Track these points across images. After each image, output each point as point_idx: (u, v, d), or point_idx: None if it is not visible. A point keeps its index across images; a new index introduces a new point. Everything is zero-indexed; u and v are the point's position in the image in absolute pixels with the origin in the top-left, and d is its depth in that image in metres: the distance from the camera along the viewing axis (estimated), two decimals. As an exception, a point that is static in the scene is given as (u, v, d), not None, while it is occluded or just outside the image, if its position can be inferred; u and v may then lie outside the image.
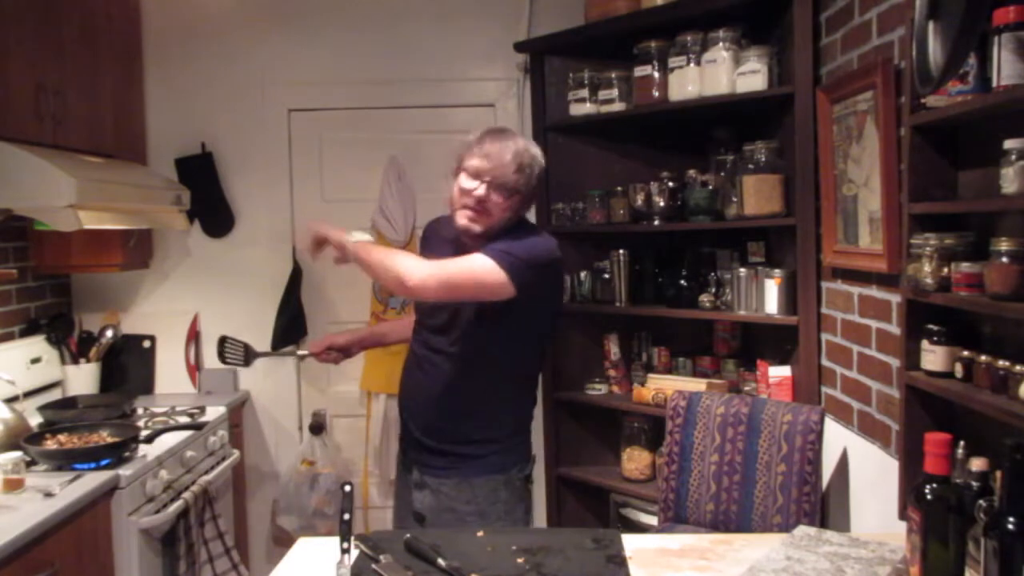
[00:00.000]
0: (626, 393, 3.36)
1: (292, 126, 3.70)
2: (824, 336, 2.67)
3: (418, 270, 2.08)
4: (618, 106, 3.22)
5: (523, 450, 2.33)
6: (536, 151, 2.22)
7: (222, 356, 2.65)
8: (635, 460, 3.28)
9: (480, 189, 2.13)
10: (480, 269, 2.08)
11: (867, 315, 2.33)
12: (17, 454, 2.31)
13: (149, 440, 2.63)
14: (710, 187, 3.03)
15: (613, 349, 3.43)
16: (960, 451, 1.65)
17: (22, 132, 2.61)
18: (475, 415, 2.24)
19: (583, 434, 3.52)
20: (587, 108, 3.31)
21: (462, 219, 2.17)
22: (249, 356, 2.66)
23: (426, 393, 2.26)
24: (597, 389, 3.41)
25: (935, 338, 1.81)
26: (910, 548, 1.46)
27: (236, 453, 3.15)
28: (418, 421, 2.28)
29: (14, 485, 2.22)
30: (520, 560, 1.68)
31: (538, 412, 3.56)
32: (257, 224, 3.71)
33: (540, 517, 3.68)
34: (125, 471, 2.43)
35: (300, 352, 2.56)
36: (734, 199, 2.91)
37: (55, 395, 3.18)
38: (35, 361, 3.12)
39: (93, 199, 2.63)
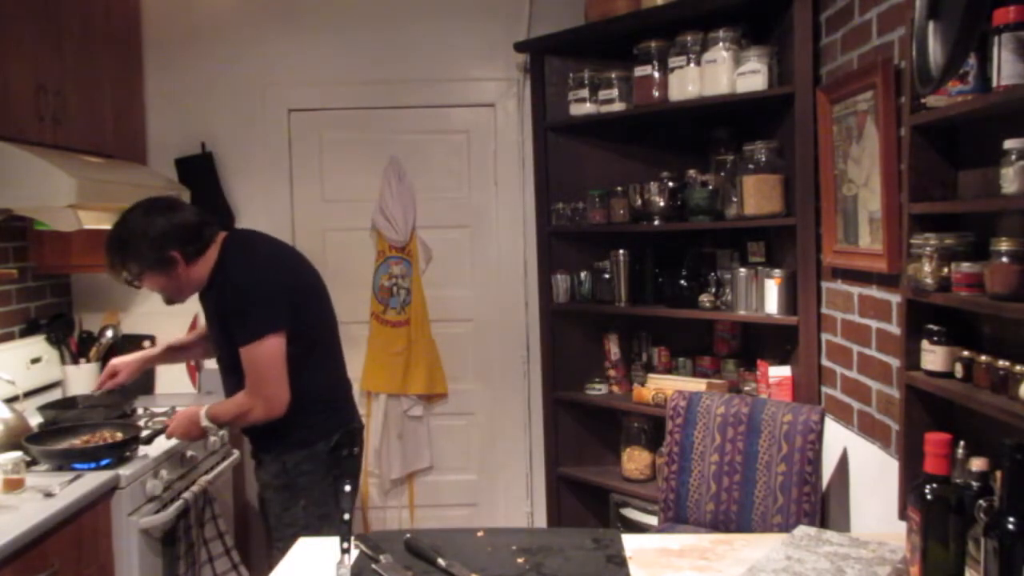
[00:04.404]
0: (626, 393, 3.36)
1: (292, 126, 3.70)
2: (824, 336, 2.67)
3: (254, 400, 2.35)
4: (618, 106, 3.22)
5: None
6: (135, 212, 2.39)
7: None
8: (635, 460, 3.28)
9: (145, 286, 2.47)
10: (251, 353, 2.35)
11: (867, 315, 2.33)
12: (17, 454, 2.31)
13: (149, 440, 2.63)
14: (710, 187, 3.02)
15: (613, 349, 3.43)
16: (960, 451, 1.64)
17: (22, 132, 2.61)
18: None
19: (583, 434, 3.52)
20: (587, 108, 3.30)
21: (172, 306, 2.57)
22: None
23: None
24: (597, 389, 3.41)
25: (935, 338, 1.81)
26: (910, 548, 1.46)
27: (236, 453, 3.14)
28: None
29: (14, 485, 2.22)
30: (520, 560, 1.68)
31: (538, 411, 3.59)
32: (257, 224, 3.66)
33: (540, 517, 3.69)
34: (125, 471, 2.43)
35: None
36: (734, 199, 2.91)
37: (55, 395, 3.18)
38: (35, 361, 3.12)
39: (93, 199, 2.63)
